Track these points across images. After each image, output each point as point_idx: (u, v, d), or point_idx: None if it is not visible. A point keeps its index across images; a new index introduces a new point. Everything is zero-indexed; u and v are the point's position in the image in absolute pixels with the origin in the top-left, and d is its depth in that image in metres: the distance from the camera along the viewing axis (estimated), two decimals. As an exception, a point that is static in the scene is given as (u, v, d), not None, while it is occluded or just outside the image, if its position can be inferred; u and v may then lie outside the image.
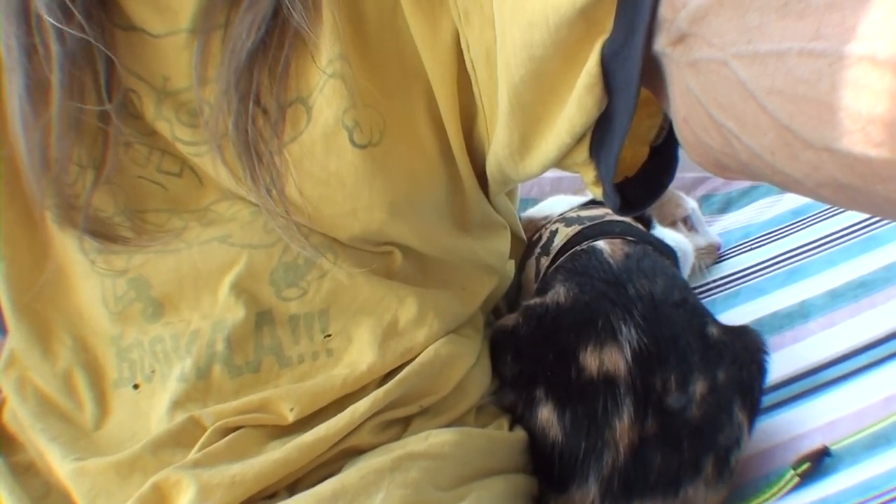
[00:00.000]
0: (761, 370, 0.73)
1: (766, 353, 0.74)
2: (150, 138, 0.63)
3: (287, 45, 0.58)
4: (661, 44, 0.40)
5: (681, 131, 0.42)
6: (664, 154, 0.51)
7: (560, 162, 0.52)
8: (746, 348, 0.73)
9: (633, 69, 0.40)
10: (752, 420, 0.72)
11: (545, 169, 0.55)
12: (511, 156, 0.56)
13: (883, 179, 0.29)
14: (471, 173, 0.67)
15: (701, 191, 1.25)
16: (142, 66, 0.61)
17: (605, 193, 0.50)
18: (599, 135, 0.47)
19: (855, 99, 0.28)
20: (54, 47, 0.56)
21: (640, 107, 0.43)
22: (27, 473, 0.65)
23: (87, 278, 0.64)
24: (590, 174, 0.50)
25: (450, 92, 0.61)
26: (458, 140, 0.64)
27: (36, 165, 0.59)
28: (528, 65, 0.47)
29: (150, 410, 0.64)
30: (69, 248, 0.63)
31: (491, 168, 0.64)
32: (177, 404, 0.63)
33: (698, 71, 0.37)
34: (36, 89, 0.58)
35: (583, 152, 0.49)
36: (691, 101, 0.38)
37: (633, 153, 0.51)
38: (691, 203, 1.07)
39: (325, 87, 0.59)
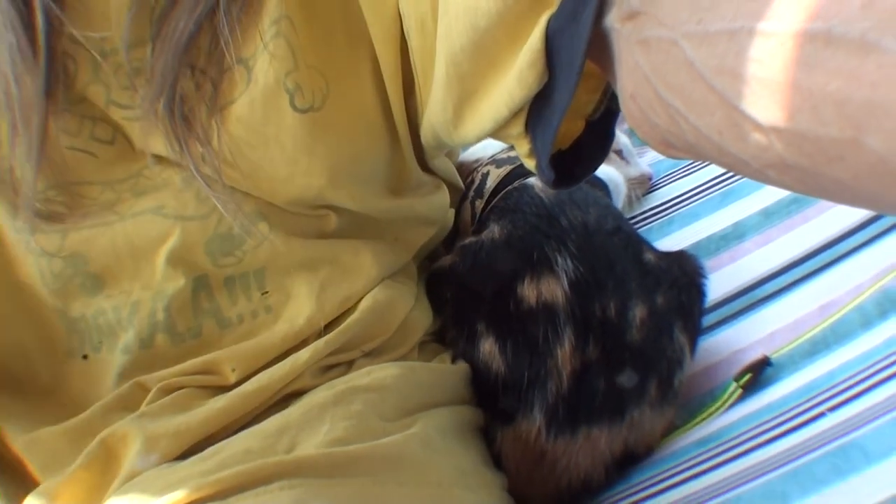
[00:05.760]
0: (700, 293, 0.74)
1: (703, 276, 0.75)
2: (80, 106, 0.60)
3: (234, 10, 0.56)
4: (611, 19, 0.39)
5: (627, 108, 0.41)
6: (599, 129, 0.51)
7: (494, 133, 0.52)
8: (684, 272, 0.74)
9: (578, 46, 0.40)
10: (693, 342, 0.73)
11: (480, 139, 0.55)
12: (445, 124, 0.56)
13: (830, 159, 0.29)
14: (409, 140, 0.66)
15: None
16: (81, 26, 0.58)
17: (539, 167, 0.49)
18: (537, 108, 0.47)
19: (806, 77, 0.28)
20: None
21: (581, 80, 0.42)
22: None
23: (26, 256, 0.62)
24: (524, 147, 0.50)
25: (393, 56, 0.60)
26: (399, 105, 0.63)
27: None
28: (469, 33, 0.47)
29: (100, 380, 0.64)
30: (6, 228, 0.62)
31: (425, 135, 0.64)
32: (123, 375, 0.63)
33: (649, 49, 0.37)
34: None
35: (518, 125, 0.49)
36: (639, 78, 0.38)
37: (568, 127, 0.51)
38: (622, 137, 1.07)
39: (267, 48, 0.57)
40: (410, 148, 0.67)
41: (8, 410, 0.63)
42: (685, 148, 0.39)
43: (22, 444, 0.62)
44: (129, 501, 0.52)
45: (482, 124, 0.51)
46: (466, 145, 0.58)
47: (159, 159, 0.61)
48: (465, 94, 0.52)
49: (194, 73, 0.57)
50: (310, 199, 0.63)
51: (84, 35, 0.58)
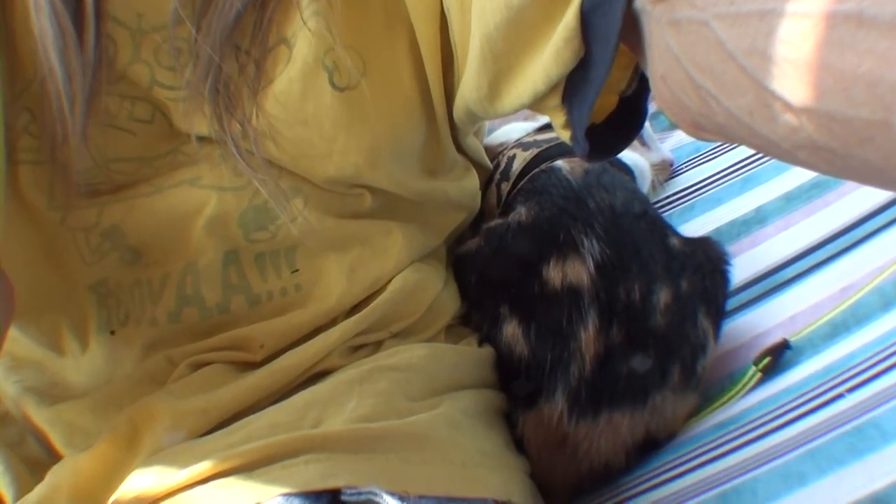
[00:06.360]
0: (724, 279, 0.74)
1: (728, 262, 0.75)
2: (119, 86, 0.60)
3: None
4: (642, 1, 0.40)
5: (658, 89, 0.42)
6: (632, 104, 0.52)
7: (531, 105, 0.53)
8: (709, 258, 0.74)
9: (612, 25, 0.41)
10: (717, 328, 0.73)
11: (517, 111, 0.56)
12: (479, 100, 0.57)
13: (861, 141, 0.29)
14: (446, 117, 0.66)
15: (650, 108, 1.24)
16: (119, 6, 0.58)
17: (574, 139, 0.50)
18: (573, 82, 0.48)
19: (837, 58, 0.28)
20: None
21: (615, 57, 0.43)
22: (2, 423, 0.65)
23: (62, 233, 0.63)
24: (560, 118, 0.51)
25: (432, 32, 0.60)
26: (438, 83, 0.63)
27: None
28: (504, 11, 0.47)
29: (124, 355, 0.64)
30: (42, 205, 0.61)
31: (458, 110, 0.64)
32: (150, 347, 0.63)
33: (679, 30, 0.37)
34: None
35: (555, 98, 0.50)
36: (670, 59, 0.39)
37: (602, 101, 0.51)
38: (644, 121, 1.07)
39: (306, 27, 0.58)
40: (447, 126, 0.68)
41: (32, 384, 0.64)
42: (715, 129, 0.39)
43: (45, 416, 0.62)
44: (155, 473, 0.52)
45: (520, 99, 0.52)
46: (502, 116, 0.59)
47: (198, 138, 0.61)
48: (500, 71, 0.52)
49: (238, 55, 0.57)
50: (347, 178, 0.63)
51: (112, 15, 0.58)
